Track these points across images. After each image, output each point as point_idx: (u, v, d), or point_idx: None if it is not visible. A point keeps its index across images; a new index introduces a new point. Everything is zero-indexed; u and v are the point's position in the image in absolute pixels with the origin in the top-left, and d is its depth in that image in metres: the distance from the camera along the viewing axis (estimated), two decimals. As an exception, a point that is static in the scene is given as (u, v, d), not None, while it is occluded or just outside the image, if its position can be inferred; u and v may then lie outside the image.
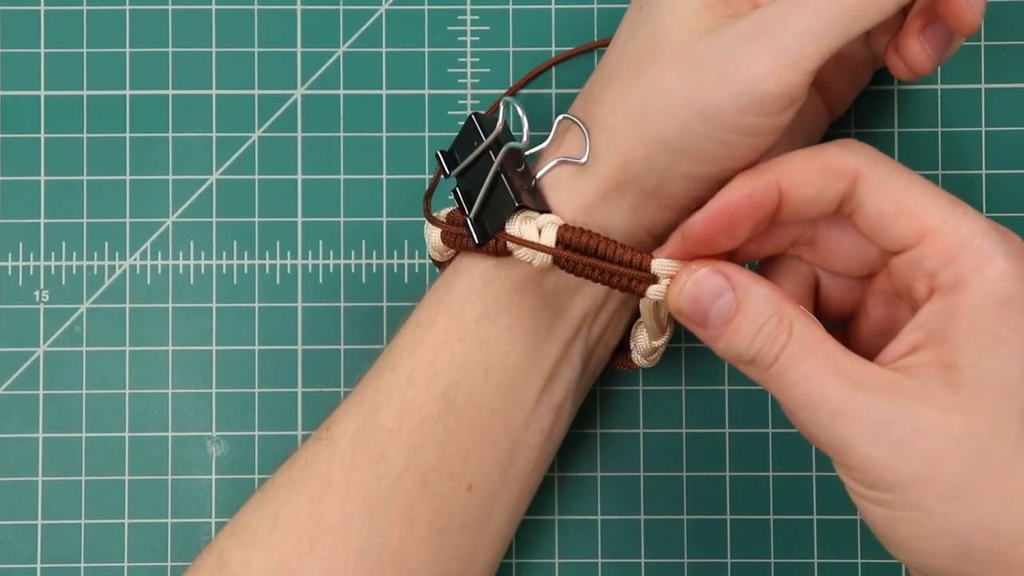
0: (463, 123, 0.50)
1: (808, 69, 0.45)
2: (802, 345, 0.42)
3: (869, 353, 0.44)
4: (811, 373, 0.41)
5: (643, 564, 0.56)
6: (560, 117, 0.49)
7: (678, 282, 0.44)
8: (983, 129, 0.57)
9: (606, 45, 0.57)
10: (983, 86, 0.57)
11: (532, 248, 0.47)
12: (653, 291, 0.45)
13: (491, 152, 0.48)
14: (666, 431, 0.56)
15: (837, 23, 0.44)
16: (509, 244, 0.47)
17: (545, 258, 0.47)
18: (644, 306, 0.48)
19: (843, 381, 0.41)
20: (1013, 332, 0.40)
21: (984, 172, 0.57)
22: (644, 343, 0.51)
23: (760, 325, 0.42)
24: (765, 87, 0.45)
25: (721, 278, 0.43)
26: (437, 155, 0.51)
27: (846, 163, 0.43)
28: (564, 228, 0.47)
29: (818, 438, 0.42)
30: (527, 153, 0.49)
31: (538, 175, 0.49)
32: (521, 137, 0.48)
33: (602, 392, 0.56)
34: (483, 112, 0.57)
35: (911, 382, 0.41)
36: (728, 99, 0.45)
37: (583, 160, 0.48)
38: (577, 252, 0.46)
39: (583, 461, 0.56)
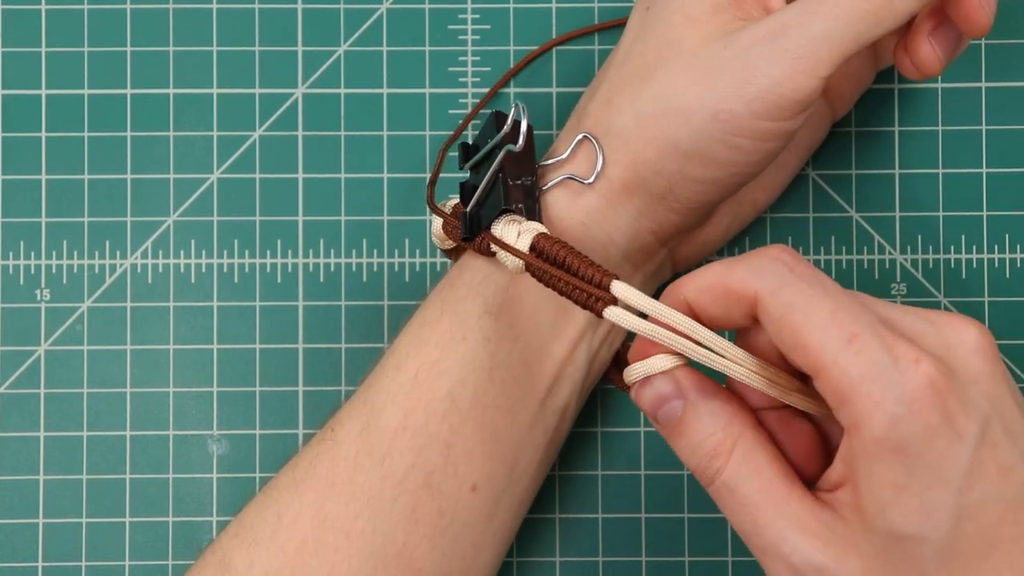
0: (486, 117, 0.50)
1: (823, 74, 0.45)
2: (739, 473, 0.41)
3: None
4: (744, 505, 0.40)
5: (644, 562, 0.56)
6: (580, 136, 0.49)
7: (633, 370, 0.43)
8: (983, 128, 0.57)
9: (607, 27, 0.57)
10: (983, 85, 0.57)
11: (506, 251, 0.47)
12: (610, 312, 0.44)
13: (498, 151, 0.49)
14: (667, 430, 0.56)
15: (853, 28, 0.45)
16: (492, 245, 0.47)
17: (519, 263, 0.47)
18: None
19: (775, 520, 0.40)
20: (910, 477, 0.38)
21: (984, 171, 0.57)
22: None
23: (700, 441, 0.41)
24: (781, 92, 0.45)
25: (672, 385, 0.42)
26: (460, 145, 0.51)
27: (745, 288, 0.40)
28: (540, 236, 0.46)
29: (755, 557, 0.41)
30: (544, 164, 0.49)
31: (544, 188, 0.49)
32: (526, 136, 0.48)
33: (603, 390, 0.56)
34: (478, 104, 0.57)
35: (840, 525, 0.40)
36: (743, 104, 0.45)
37: (589, 181, 0.48)
38: (549, 262, 0.46)
39: (584, 459, 0.56)
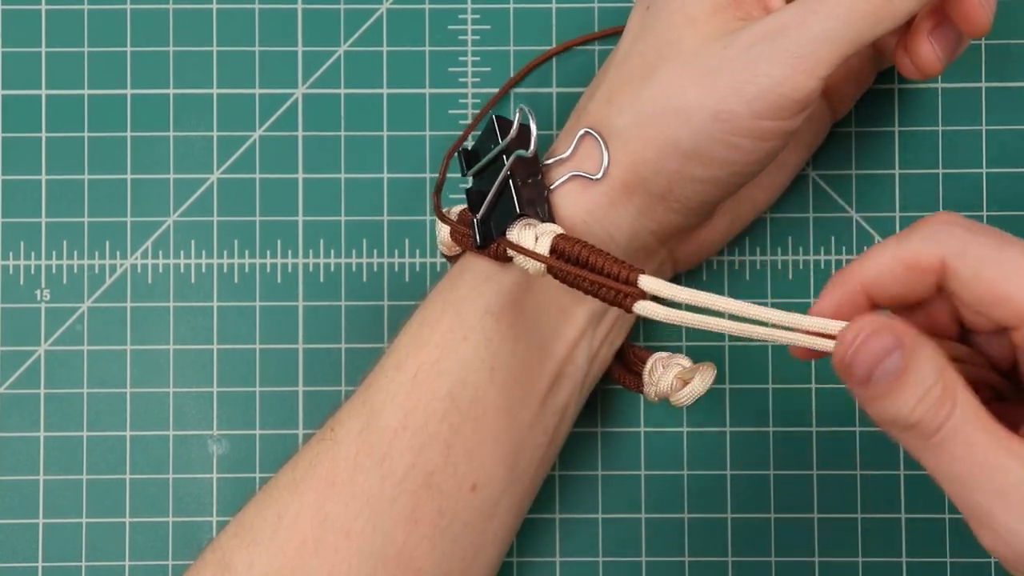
0: (486, 123, 0.50)
1: (823, 74, 0.45)
2: (966, 416, 0.39)
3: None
4: (976, 447, 0.39)
5: (644, 563, 0.56)
6: (582, 131, 0.49)
7: (846, 338, 0.40)
8: (983, 128, 0.57)
9: (609, 35, 0.57)
10: (983, 85, 0.57)
11: (527, 255, 0.47)
12: (640, 307, 0.45)
13: (504, 157, 0.49)
14: (667, 430, 0.56)
15: (853, 28, 0.45)
16: (509, 250, 0.47)
17: (539, 266, 0.47)
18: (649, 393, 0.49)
19: (1008, 461, 0.39)
20: None
21: (984, 171, 0.57)
22: (665, 386, 0.50)
23: (926, 389, 0.39)
24: (782, 91, 0.45)
25: (891, 337, 0.40)
26: (460, 152, 0.51)
27: (930, 258, 0.40)
28: (559, 238, 0.46)
29: (971, 513, 0.40)
30: (547, 163, 0.49)
31: (552, 187, 0.49)
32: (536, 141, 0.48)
33: (603, 390, 0.56)
34: (479, 107, 0.57)
35: None
36: (743, 104, 0.45)
37: (597, 176, 0.48)
38: (569, 262, 0.46)
39: (584, 459, 0.56)
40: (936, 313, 0.43)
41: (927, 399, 0.39)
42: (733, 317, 0.43)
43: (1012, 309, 0.39)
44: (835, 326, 0.42)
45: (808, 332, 0.42)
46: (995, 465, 0.39)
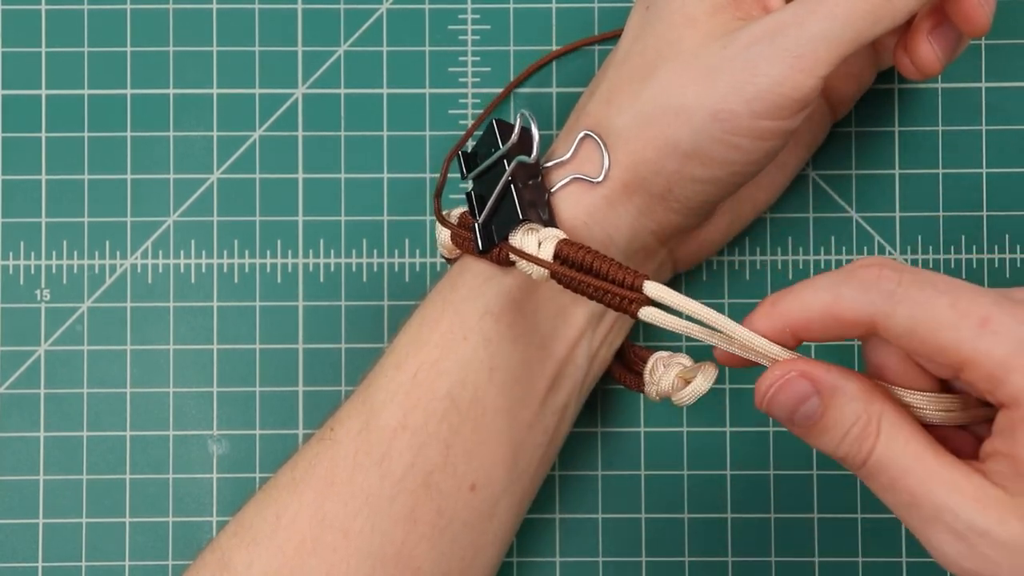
0: (486, 126, 0.50)
1: (822, 73, 0.45)
2: (890, 447, 0.40)
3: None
4: (900, 477, 0.40)
5: (644, 563, 0.56)
6: (582, 134, 0.49)
7: (763, 384, 0.42)
8: (983, 128, 0.57)
9: (608, 38, 0.57)
10: (983, 85, 0.57)
11: (530, 261, 0.47)
12: (645, 313, 0.45)
13: (505, 161, 0.49)
14: (667, 430, 0.56)
15: (852, 27, 0.45)
16: (511, 255, 0.47)
17: (543, 271, 0.47)
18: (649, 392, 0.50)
19: (933, 487, 0.40)
20: None
21: (984, 171, 0.57)
22: (667, 385, 0.50)
23: (846, 429, 0.41)
24: (781, 91, 0.45)
25: (806, 383, 0.41)
26: (459, 155, 0.51)
27: (857, 314, 0.40)
28: (563, 243, 0.46)
29: (915, 535, 0.41)
30: (547, 165, 0.49)
31: (552, 189, 0.49)
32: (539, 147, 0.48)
33: (603, 390, 0.56)
34: (481, 110, 0.57)
35: (995, 491, 0.40)
36: (743, 103, 0.46)
37: (599, 180, 0.48)
38: (573, 267, 0.46)
39: (584, 459, 0.56)
40: (906, 371, 0.43)
41: (847, 440, 0.41)
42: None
43: (949, 358, 0.39)
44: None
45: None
46: (921, 493, 0.40)
